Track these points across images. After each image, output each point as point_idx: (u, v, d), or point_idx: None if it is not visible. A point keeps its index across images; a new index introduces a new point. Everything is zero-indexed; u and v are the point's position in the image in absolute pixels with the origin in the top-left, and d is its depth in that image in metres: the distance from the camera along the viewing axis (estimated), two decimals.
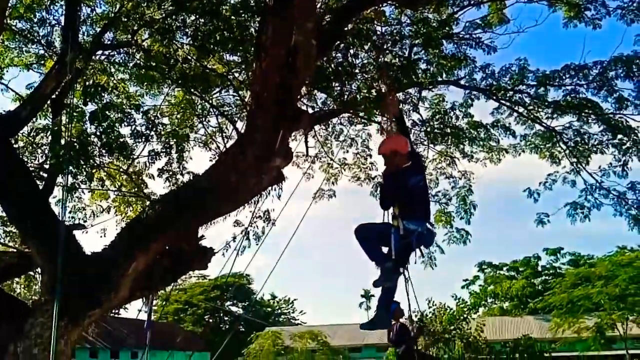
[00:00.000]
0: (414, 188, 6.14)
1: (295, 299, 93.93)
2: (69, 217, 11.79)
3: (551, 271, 76.03)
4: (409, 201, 6.13)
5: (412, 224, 6.05)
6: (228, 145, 10.55)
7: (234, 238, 11.46)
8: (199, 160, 12.34)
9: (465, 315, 45.03)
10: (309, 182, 13.09)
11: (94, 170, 10.04)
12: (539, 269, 78.23)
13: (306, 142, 11.50)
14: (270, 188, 10.01)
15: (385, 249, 6.25)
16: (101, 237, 12.39)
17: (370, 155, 13.18)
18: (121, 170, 12.11)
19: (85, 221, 12.38)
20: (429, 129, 12.23)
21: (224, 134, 12.06)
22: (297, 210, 11.16)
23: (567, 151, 11.39)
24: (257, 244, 11.78)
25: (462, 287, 79.90)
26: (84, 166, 8.67)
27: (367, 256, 6.27)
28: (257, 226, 11.82)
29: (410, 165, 6.27)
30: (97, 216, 12.59)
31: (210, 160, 11.20)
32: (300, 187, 10.96)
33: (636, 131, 10.63)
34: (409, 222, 6.05)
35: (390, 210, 6.27)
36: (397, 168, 6.26)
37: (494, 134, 11.97)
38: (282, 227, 11.97)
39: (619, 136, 10.73)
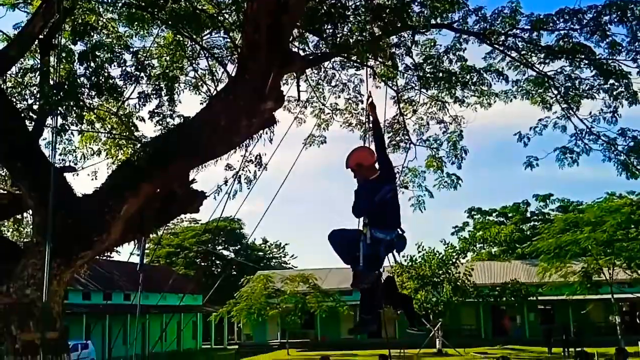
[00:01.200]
0: (382, 199, 6.20)
1: (286, 244, 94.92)
2: (59, 160, 11.77)
3: (540, 217, 76.93)
4: (377, 211, 6.22)
5: (380, 233, 6.19)
6: (219, 89, 10.49)
7: (226, 182, 11.48)
8: (190, 104, 12.24)
9: (454, 260, 45.80)
10: (301, 127, 13.05)
11: (83, 112, 9.99)
12: (528, 214, 79.16)
13: (298, 85, 11.42)
14: (261, 132, 9.99)
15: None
16: (92, 180, 12.39)
17: (362, 102, 13.11)
18: (111, 112, 12.04)
19: (75, 164, 12.35)
20: (421, 74, 12.15)
21: (214, 77, 11.94)
22: (289, 156, 11.16)
23: (559, 96, 11.36)
24: (248, 188, 11.81)
25: (452, 233, 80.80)
26: (74, 107, 8.62)
27: (341, 259, 6.43)
28: (248, 170, 11.83)
29: (377, 176, 6.33)
30: (88, 159, 12.55)
31: (201, 104, 11.12)
32: (292, 133, 10.95)
33: (628, 76, 10.60)
34: (376, 230, 6.18)
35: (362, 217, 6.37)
36: (365, 179, 6.34)
37: (486, 78, 11.90)
38: (274, 173, 12.01)
39: (611, 81, 10.71)
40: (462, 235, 79.44)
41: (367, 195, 6.18)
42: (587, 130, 11.03)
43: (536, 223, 74.38)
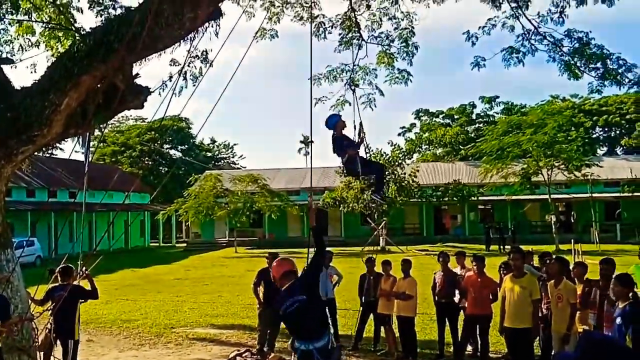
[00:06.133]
0: (286, 310, 6.17)
1: (235, 144, 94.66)
2: None
3: (485, 119, 78.35)
4: (287, 322, 6.31)
5: (297, 342, 6.18)
6: None
7: (170, 78, 11.19)
8: None
9: (400, 161, 46.56)
10: (251, 24, 12.72)
11: (19, 0, 9.49)
12: (474, 116, 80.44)
13: None
14: (207, 25, 9.67)
15: None
16: (31, 72, 12.00)
17: None
18: (48, 1, 11.47)
19: (13, 55, 11.88)
20: None
21: None
22: (238, 53, 10.90)
23: None
24: (194, 85, 11.57)
25: (399, 134, 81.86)
26: None
27: None
28: (194, 66, 11.55)
29: (291, 284, 6.29)
30: (26, 50, 12.09)
31: None
32: (241, 31, 10.63)
33: None
34: (294, 340, 6.23)
35: None
36: (277, 288, 6.43)
37: None
38: (223, 70, 11.76)
39: None
40: (408, 137, 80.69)
41: (274, 306, 6.33)
42: (534, 30, 11.08)
43: (481, 125, 75.79)
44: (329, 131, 8.79)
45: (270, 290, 12.03)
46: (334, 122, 8.64)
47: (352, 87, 11.53)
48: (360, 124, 9.05)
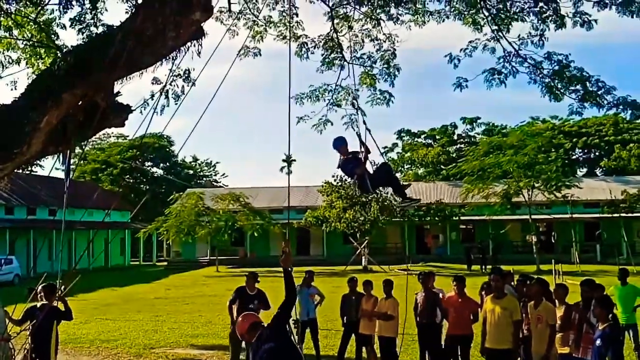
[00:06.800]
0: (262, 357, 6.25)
1: (217, 162, 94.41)
2: None
3: (466, 139, 78.94)
4: None
5: None
6: None
7: (152, 96, 11.16)
8: (115, 13, 11.70)
9: None
10: (234, 43, 12.74)
11: (0, 17, 9.44)
12: (455, 137, 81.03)
13: None
14: (189, 44, 9.67)
15: None
16: (11, 90, 11.92)
17: (297, 14, 12.89)
18: (30, 18, 11.42)
19: None
20: None
21: None
22: (222, 71, 10.90)
23: (489, 18, 11.46)
24: (176, 104, 11.53)
25: (381, 154, 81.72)
26: None
27: None
28: (176, 85, 11.53)
29: (256, 338, 6.37)
30: (7, 67, 12.01)
31: (127, 13, 10.65)
32: (225, 50, 10.64)
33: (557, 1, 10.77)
34: None
35: None
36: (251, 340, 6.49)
37: None
38: (206, 89, 11.74)
39: (540, 4, 10.85)
40: (390, 157, 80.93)
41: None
42: (515, 52, 11.21)
43: (462, 145, 76.31)
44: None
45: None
46: (337, 147, 8.71)
47: (356, 106, 11.57)
48: (361, 134, 9.15)
